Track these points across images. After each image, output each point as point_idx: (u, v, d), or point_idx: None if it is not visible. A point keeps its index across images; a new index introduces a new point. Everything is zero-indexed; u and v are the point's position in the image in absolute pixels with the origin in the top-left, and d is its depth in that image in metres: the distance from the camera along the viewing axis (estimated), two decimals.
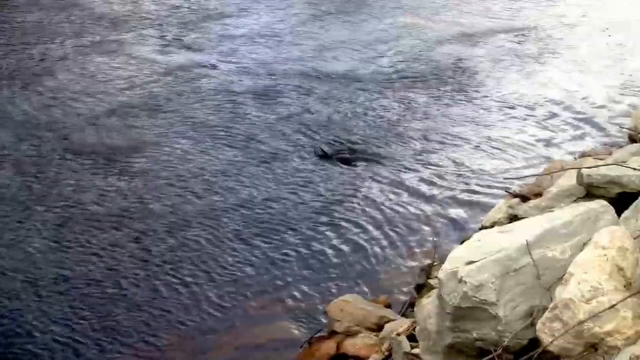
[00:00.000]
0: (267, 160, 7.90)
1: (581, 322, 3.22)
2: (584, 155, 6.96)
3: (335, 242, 6.48)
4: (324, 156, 7.76)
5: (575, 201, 5.02)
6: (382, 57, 10.70)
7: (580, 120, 8.51)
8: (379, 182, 7.42)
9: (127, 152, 8.23)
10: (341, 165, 7.73)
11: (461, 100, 9.20)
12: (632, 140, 6.60)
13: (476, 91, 9.41)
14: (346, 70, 10.23)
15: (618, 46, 10.68)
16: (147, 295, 5.99)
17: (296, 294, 5.92)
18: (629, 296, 3.27)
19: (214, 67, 10.37)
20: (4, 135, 8.59)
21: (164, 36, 11.97)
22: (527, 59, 10.45)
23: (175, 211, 7.00)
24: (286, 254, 6.36)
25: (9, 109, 9.34)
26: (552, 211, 4.67)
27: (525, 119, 8.71)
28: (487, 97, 9.26)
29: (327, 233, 6.60)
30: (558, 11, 12.40)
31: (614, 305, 3.22)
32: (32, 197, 7.31)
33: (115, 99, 9.71)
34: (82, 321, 5.73)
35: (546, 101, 9.09)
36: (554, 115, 8.71)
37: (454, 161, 7.73)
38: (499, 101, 9.14)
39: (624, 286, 3.35)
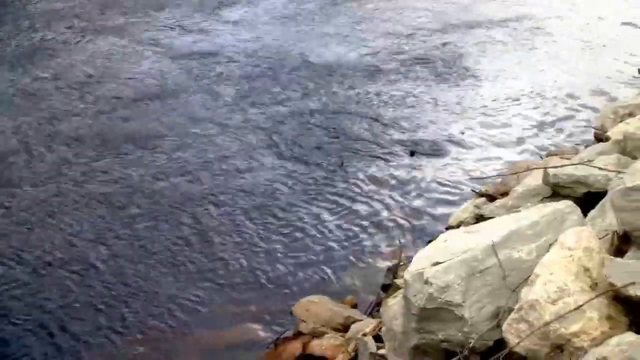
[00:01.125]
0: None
1: (547, 323, 3.22)
2: (550, 154, 6.99)
3: (300, 241, 6.42)
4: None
5: (541, 201, 5.04)
6: None
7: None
8: (343, 178, 7.35)
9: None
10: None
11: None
12: (599, 139, 6.63)
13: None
14: None
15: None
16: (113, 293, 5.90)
17: (261, 294, 5.85)
18: (595, 297, 3.27)
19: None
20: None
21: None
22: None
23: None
24: (250, 253, 6.29)
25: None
26: (518, 211, 4.68)
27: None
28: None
29: (291, 232, 6.54)
30: None
31: (580, 306, 3.22)
32: None
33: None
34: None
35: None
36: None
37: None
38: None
39: (590, 287, 3.35)
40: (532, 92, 9.03)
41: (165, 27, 12.12)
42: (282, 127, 8.48)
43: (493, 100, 8.86)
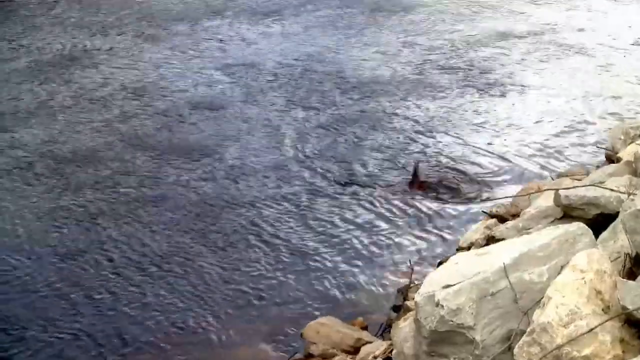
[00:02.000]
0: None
1: (559, 346, 3.21)
2: (561, 175, 6.97)
3: (310, 262, 6.41)
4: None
5: (552, 222, 5.03)
6: None
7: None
8: (355, 199, 7.35)
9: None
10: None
11: None
12: (610, 160, 6.62)
13: None
14: None
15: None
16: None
17: (272, 316, 5.84)
18: (607, 320, 3.26)
19: None
20: None
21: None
22: None
23: None
24: (262, 275, 6.29)
25: None
26: (529, 233, 4.67)
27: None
28: None
29: (302, 253, 6.53)
30: None
31: (593, 329, 3.21)
32: None
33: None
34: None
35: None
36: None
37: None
38: None
39: (602, 310, 3.34)
40: None
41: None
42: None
43: None
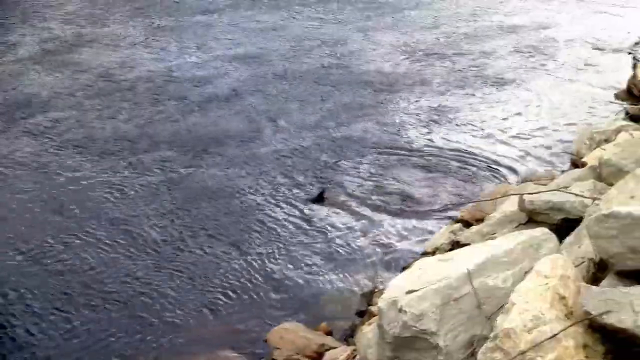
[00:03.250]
0: None
1: (523, 352, 3.19)
2: (525, 180, 6.99)
3: (274, 267, 6.38)
4: None
5: (517, 227, 5.04)
6: None
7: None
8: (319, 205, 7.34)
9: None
10: None
11: None
12: (575, 165, 6.65)
13: None
14: None
15: None
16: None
17: (236, 321, 5.79)
18: (571, 325, 3.25)
19: None
20: None
21: None
22: None
23: None
24: (226, 280, 6.24)
25: None
26: (494, 238, 4.67)
27: None
28: None
29: (267, 259, 6.49)
30: None
31: (556, 334, 3.20)
32: None
33: None
34: None
35: None
36: None
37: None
38: None
39: (566, 315, 3.33)
40: None
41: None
42: None
43: None
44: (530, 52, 11.38)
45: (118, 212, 7.25)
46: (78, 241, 6.78)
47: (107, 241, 6.78)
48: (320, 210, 7.21)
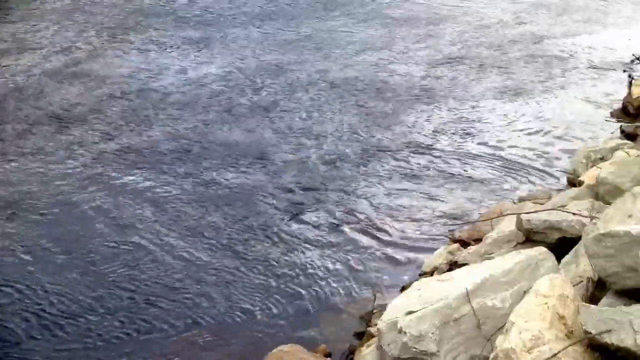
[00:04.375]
0: None
1: None
2: (523, 199, 7.02)
3: (273, 289, 6.38)
4: None
5: (514, 247, 5.05)
6: None
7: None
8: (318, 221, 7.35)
9: None
10: None
11: None
12: (572, 183, 6.67)
13: None
14: None
15: None
16: None
17: (234, 344, 5.79)
18: (570, 344, 3.28)
19: None
20: None
21: None
22: None
23: None
24: (225, 301, 6.24)
25: None
26: (491, 258, 4.68)
27: None
28: None
29: (265, 279, 6.50)
30: None
31: (556, 354, 3.23)
32: None
33: None
34: None
35: None
36: None
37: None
38: None
39: (565, 335, 3.36)
40: None
41: None
42: None
43: None
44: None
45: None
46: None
47: None
48: (319, 227, 7.19)
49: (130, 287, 6.38)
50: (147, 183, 8.14)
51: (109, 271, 6.62)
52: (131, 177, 8.27)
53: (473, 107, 10.01)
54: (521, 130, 9.34)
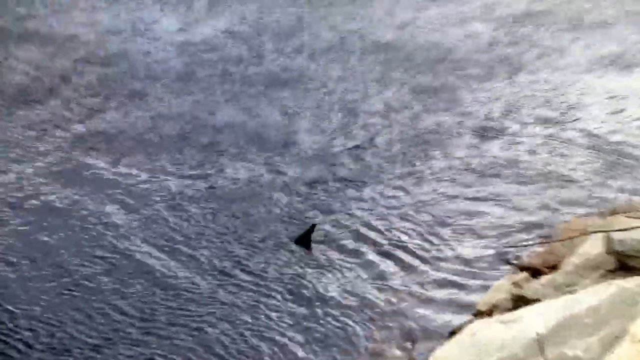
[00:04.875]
0: None
1: None
2: (613, 212, 6.02)
3: (302, 335, 5.52)
4: None
5: (603, 276, 4.44)
6: None
7: None
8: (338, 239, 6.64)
9: None
10: None
11: None
12: None
13: None
14: None
15: None
16: None
17: None
18: None
19: None
20: None
21: None
22: None
23: None
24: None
25: None
26: (572, 291, 4.17)
27: None
28: None
29: (298, 322, 5.64)
30: None
31: None
32: None
33: None
34: None
35: None
36: None
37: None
38: None
39: None
40: None
41: None
42: None
43: None
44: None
45: None
46: None
47: None
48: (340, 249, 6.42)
49: None
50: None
51: None
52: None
53: (562, 82, 9.31)
54: (630, 115, 8.48)
